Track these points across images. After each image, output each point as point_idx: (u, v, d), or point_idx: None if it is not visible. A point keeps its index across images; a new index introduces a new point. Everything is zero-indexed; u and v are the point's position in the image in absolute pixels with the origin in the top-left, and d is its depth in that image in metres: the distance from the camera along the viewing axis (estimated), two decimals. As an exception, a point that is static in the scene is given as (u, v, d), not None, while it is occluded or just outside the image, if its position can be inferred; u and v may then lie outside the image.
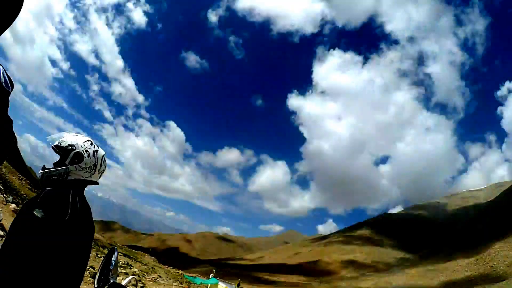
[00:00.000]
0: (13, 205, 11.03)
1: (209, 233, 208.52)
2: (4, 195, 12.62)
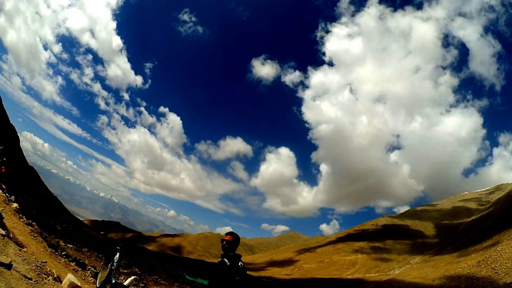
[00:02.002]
0: (15, 204, 11.05)
1: (211, 234, 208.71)
2: (6, 194, 12.67)
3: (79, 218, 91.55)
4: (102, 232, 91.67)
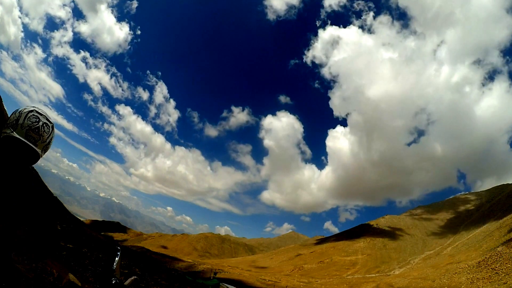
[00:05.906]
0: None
1: (211, 234, 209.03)
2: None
3: (79, 219, 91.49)
4: (102, 233, 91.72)
